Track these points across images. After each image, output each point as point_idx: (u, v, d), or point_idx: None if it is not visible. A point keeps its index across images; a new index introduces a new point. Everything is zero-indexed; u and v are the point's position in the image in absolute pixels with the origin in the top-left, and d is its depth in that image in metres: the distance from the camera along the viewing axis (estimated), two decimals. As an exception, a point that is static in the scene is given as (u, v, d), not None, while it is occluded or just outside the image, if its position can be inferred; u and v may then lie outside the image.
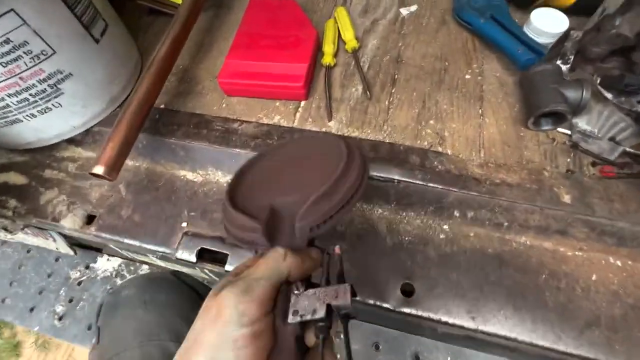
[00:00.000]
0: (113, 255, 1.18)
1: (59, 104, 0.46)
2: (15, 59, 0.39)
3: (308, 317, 0.22)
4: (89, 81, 0.48)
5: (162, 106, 0.54)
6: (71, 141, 0.54)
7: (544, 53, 0.48)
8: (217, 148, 0.49)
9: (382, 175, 0.44)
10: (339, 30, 0.57)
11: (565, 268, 0.41)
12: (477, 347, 0.77)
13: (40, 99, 0.44)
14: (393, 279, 0.41)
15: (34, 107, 0.44)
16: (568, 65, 0.50)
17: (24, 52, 0.40)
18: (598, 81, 0.47)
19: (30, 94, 0.43)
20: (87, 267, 1.16)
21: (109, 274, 1.15)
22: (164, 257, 0.59)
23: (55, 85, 0.44)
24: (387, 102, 0.51)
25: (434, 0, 0.62)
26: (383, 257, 0.42)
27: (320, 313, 0.22)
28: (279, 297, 0.23)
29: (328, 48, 0.54)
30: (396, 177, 0.44)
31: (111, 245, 0.87)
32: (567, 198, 0.41)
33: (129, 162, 0.53)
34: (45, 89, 0.44)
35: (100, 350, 0.43)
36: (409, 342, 0.79)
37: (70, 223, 0.49)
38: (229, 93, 0.54)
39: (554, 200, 0.41)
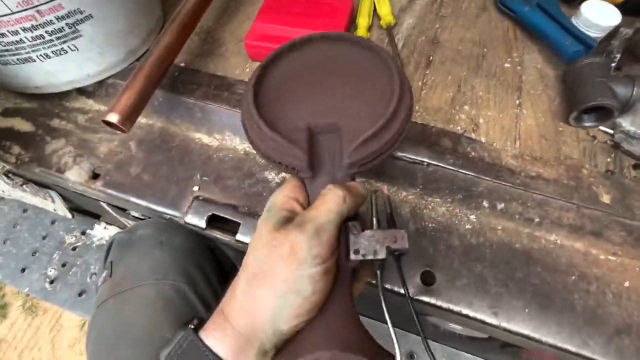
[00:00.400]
0: (111, 224, 1.16)
1: (76, 47, 0.43)
2: (34, -11, 0.36)
3: (370, 257, 0.25)
4: (109, 27, 0.45)
5: (182, 64, 0.51)
6: (82, 92, 0.52)
7: (593, 46, 0.45)
8: (237, 112, 0.46)
9: (410, 156, 0.42)
10: (374, 5, 0.54)
11: (597, 271, 0.38)
12: (475, 350, 0.75)
13: (57, 38, 0.41)
14: (413, 266, 0.39)
15: (49, 47, 0.42)
16: (614, 64, 0.47)
17: (44, -17, 0.37)
18: (646, 81, 0.44)
19: (47, 31, 0.40)
20: (83, 233, 1.13)
21: (104, 242, 1.12)
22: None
23: (74, 25, 0.41)
24: (420, 83, 0.48)
25: (475, -14, 0.59)
26: (404, 242, 0.40)
27: (382, 254, 0.25)
28: (340, 235, 0.25)
29: (362, 21, 0.51)
30: (426, 160, 0.41)
31: (110, 211, 0.85)
32: (606, 198, 0.39)
33: (142, 120, 0.50)
34: (62, 27, 0.41)
35: (112, 283, 0.42)
36: (404, 340, 0.78)
37: (76, 176, 0.46)
38: (254, 58, 0.51)
39: (592, 199, 0.39)
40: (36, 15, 0.38)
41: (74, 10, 0.40)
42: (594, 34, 0.47)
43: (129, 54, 0.49)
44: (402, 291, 0.38)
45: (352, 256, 0.25)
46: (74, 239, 1.11)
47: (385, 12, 0.52)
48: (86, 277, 1.09)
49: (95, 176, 0.47)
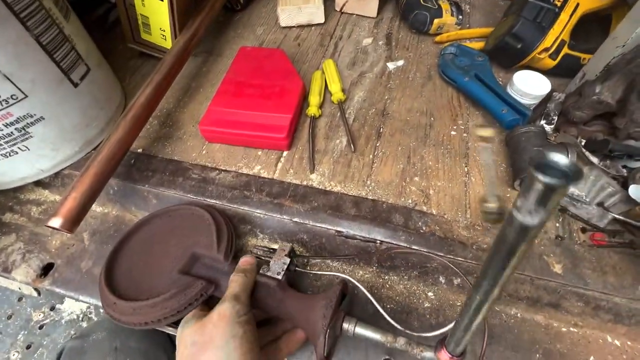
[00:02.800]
0: (82, 296, 1.10)
1: (27, 147, 0.44)
2: (-19, 103, 0.37)
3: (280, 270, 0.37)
4: (63, 124, 0.46)
5: (139, 150, 0.52)
6: (38, 183, 0.51)
7: (527, 114, 0.48)
8: (191, 198, 0.46)
9: (363, 234, 0.42)
10: (325, 82, 0.58)
11: (560, 347, 0.37)
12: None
13: (6, 142, 0.42)
14: (373, 353, 0.37)
15: (-3, 151, 0.42)
16: (552, 126, 0.50)
17: (-9, 96, 0.38)
18: (582, 143, 0.47)
19: (-6, 138, 0.41)
20: (52, 309, 1.07)
21: (75, 316, 1.06)
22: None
23: (24, 129, 0.42)
24: (371, 156, 0.49)
25: (420, 57, 0.63)
26: (362, 328, 0.39)
27: (284, 267, 0.37)
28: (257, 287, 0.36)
29: (314, 99, 0.54)
30: (378, 238, 0.41)
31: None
32: (558, 268, 0.39)
33: (97, 209, 0.50)
34: (11, 132, 0.41)
35: None
36: None
37: (23, 275, 0.44)
38: (210, 140, 0.52)
39: (544, 269, 0.39)
40: (-17, 125, 0.39)
41: (24, 116, 0.41)
42: (528, 101, 0.50)
43: (86, 144, 0.50)
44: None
45: (275, 275, 0.37)
46: (41, 315, 1.05)
47: (336, 90, 0.55)
48: (54, 359, 1.01)
49: (46, 272, 0.45)
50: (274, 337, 0.35)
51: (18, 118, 0.41)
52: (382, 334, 0.33)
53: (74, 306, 1.07)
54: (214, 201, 0.45)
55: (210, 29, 0.70)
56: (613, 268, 0.39)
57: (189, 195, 0.46)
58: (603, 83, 0.43)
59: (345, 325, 0.34)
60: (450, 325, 0.31)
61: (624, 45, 0.42)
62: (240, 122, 0.50)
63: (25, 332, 1.02)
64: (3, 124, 0.40)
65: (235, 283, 0.33)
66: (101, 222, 0.49)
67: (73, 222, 0.38)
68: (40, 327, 1.03)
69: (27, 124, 0.42)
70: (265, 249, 0.39)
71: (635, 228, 0.41)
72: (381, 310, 0.35)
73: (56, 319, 1.04)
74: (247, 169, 0.49)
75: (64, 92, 0.45)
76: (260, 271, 0.37)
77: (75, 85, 0.46)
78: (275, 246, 0.44)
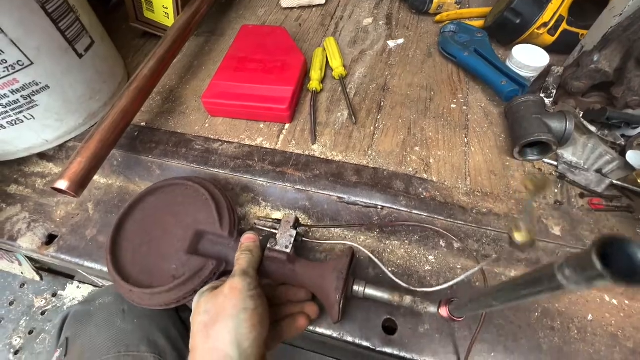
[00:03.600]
0: (84, 282, 1.11)
1: (32, 116, 0.44)
2: (-13, 67, 0.38)
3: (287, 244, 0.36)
4: (68, 95, 0.46)
5: (142, 124, 0.52)
6: (43, 156, 0.52)
7: (526, 85, 0.48)
8: (195, 168, 0.47)
9: (365, 200, 0.42)
10: (327, 59, 0.58)
11: (559, 306, 0.38)
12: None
13: (12, 109, 0.42)
14: (375, 314, 0.38)
15: (3, 118, 0.43)
16: (551, 99, 0.50)
17: (-2, 61, 0.38)
18: (581, 115, 0.47)
19: (1, 104, 0.41)
20: (54, 295, 1.08)
21: (77, 302, 1.07)
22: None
23: (30, 97, 0.43)
24: (372, 128, 0.50)
25: (420, 36, 0.64)
26: (364, 289, 0.39)
27: (291, 240, 0.36)
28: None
29: (315, 74, 0.55)
30: (379, 203, 0.42)
31: (80, 270, 0.81)
32: (557, 230, 0.39)
33: (101, 180, 0.51)
34: (17, 99, 0.42)
35: None
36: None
37: (28, 243, 0.45)
38: (213, 114, 0.53)
39: (543, 232, 0.39)
40: (-11, 90, 0.40)
41: (30, 83, 0.42)
42: (527, 74, 0.51)
43: (90, 117, 0.51)
44: (364, 344, 0.36)
45: (278, 247, 0.36)
46: (43, 302, 1.05)
47: (337, 65, 0.56)
48: (55, 345, 1.02)
49: (50, 240, 0.46)
50: (282, 317, 0.35)
51: (24, 85, 0.42)
52: (390, 294, 0.34)
53: (75, 292, 1.07)
54: (217, 170, 0.46)
55: (212, 11, 0.71)
56: (611, 230, 0.39)
57: (192, 165, 0.47)
58: (601, 52, 0.44)
59: (356, 288, 0.35)
60: (453, 281, 0.32)
61: (620, 14, 0.43)
62: (242, 95, 0.50)
63: (27, 318, 1.03)
64: (9, 90, 0.41)
65: (242, 261, 0.33)
66: (105, 193, 0.49)
67: (78, 185, 0.38)
68: (42, 313, 1.03)
69: (33, 91, 0.43)
70: (269, 220, 0.39)
71: (632, 193, 0.42)
72: (387, 272, 0.35)
73: (58, 305, 1.05)
74: (250, 141, 0.49)
75: (69, 62, 0.45)
76: (268, 245, 0.36)
77: (80, 56, 0.47)
78: (278, 216, 0.45)
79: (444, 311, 0.32)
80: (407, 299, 0.34)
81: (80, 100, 0.49)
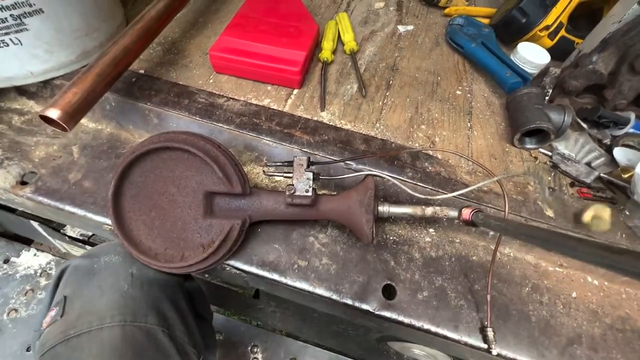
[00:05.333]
0: (43, 251, 1.02)
1: (19, 40, 0.40)
2: (-23, -27, 0.34)
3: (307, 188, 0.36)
4: (62, 25, 0.42)
5: (141, 71, 0.49)
6: (23, 92, 0.47)
7: (529, 79, 0.51)
8: (197, 120, 0.44)
9: (372, 169, 0.42)
10: (339, 33, 0.58)
11: (547, 283, 0.40)
12: None
13: (-3, 28, 0.38)
14: (375, 279, 0.38)
15: (-14, 37, 0.38)
16: (547, 97, 0.53)
17: (-10, -32, 0.34)
18: (575, 114, 0.50)
19: (-14, 20, 0.37)
20: (6, 261, 0.98)
21: (32, 271, 0.98)
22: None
23: (20, 18, 0.39)
24: (380, 103, 0.50)
25: (428, 25, 0.65)
26: (366, 254, 0.39)
27: (309, 183, 0.36)
28: None
29: (327, 44, 0.54)
30: (386, 173, 0.42)
31: (42, 232, 0.75)
32: (550, 212, 0.41)
33: (89, 124, 0.47)
34: (6, 18, 0.38)
35: (65, 323, 0.32)
36: (287, 345, 0.77)
37: (1, 180, 0.40)
38: (219, 70, 0.51)
39: (538, 212, 0.41)
40: (-25, 1, 0.35)
41: (23, 2, 0.38)
42: (529, 69, 0.54)
43: (82, 55, 0.47)
44: (363, 307, 0.36)
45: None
46: (-7, 268, 0.95)
47: (349, 39, 0.56)
48: (2, 314, 0.94)
49: (25, 183, 0.41)
50: None
51: (16, 3, 0.38)
52: (412, 208, 0.36)
53: (31, 260, 0.98)
54: (222, 125, 0.44)
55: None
56: (597, 216, 0.42)
57: (195, 117, 0.44)
58: (599, 53, 0.47)
59: (381, 209, 0.36)
60: (469, 188, 0.35)
61: (620, 21, 0.46)
62: (253, 53, 0.49)
63: (-27, 284, 0.93)
64: (-2, 6, 0.37)
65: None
66: (93, 138, 0.45)
67: (71, 116, 0.35)
68: (-10, 280, 0.93)
69: (24, 13, 0.39)
70: (277, 163, 0.38)
71: (615, 186, 0.45)
72: (406, 189, 0.37)
73: (10, 272, 0.95)
74: (257, 101, 0.48)
75: (68, -11, 0.42)
76: (288, 193, 0.35)
77: (81, -15, 0.43)
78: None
79: (466, 213, 0.34)
80: (429, 210, 0.36)
81: (74, 34, 0.45)
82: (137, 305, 0.34)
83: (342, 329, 0.62)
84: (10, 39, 0.40)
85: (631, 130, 0.47)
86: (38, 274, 0.98)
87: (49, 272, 1.00)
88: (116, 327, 0.31)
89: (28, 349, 0.84)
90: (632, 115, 0.47)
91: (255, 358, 0.81)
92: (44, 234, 0.77)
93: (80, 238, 0.74)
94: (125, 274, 0.35)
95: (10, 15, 0.38)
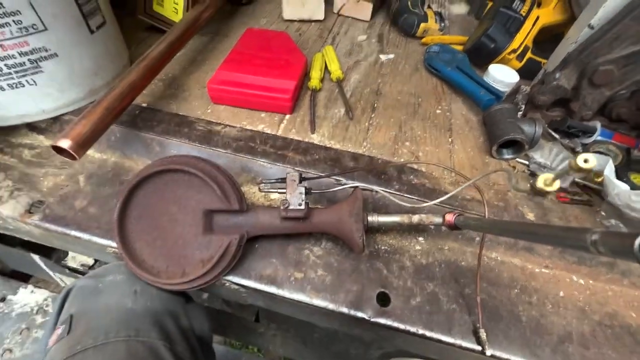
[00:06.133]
0: (39, 287, 1.01)
1: (34, 81, 0.44)
2: (1, 25, 0.38)
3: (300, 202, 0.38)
4: (74, 67, 0.47)
5: (144, 105, 0.53)
6: (34, 128, 0.51)
7: (501, 96, 0.55)
8: (197, 146, 0.48)
9: (361, 184, 0.45)
10: (325, 64, 0.63)
11: (535, 284, 0.41)
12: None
13: (15, 72, 0.42)
14: (369, 287, 0.39)
15: (4, 80, 0.42)
16: (520, 112, 0.58)
17: (14, 21, 0.39)
18: (546, 125, 0.54)
19: (6, 65, 0.41)
20: (3, 300, 0.97)
21: (29, 309, 0.97)
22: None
23: (37, 62, 0.43)
24: (367, 124, 0.54)
25: (408, 54, 0.71)
26: (359, 264, 0.41)
27: (302, 197, 0.38)
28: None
29: (315, 74, 0.59)
30: (374, 187, 0.45)
31: (43, 266, 0.76)
32: (531, 216, 0.44)
33: (95, 155, 0.50)
34: (24, 62, 0.42)
35: (71, 340, 0.33)
36: None
37: (10, 210, 0.43)
38: (216, 101, 0.55)
39: (519, 217, 0.43)
40: (-2, 49, 0.40)
41: (39, 48, 0.42)
42: (501, 88, 0.58)
43: (91, 92, 0.51)
44: (359, 315, 0.37)
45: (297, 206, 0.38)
46: (-11, 307, 0.94)
47: (335, 68, 0.61)
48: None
49: (32, 212, 0.44)
50: None
51: (34, 49, 0.42)
52: (400, 216, 0.38)
53: (28, 297, 0.97)
54: (219, 150, 0.47)
55: (217, 16, 0.75)
56: (575, 218, 0.44)
57: (194, 143, 0.48)
58: (561, 71, 0.52)
59: (370, 219, 0.38)
60: (450, 194, 0.39)
61: (576, 42, 0.51)
62: (247, 84, 0.53)
63: (-32, 324, 0.91)
64: (18, 52, 0.41)
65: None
66: (99, 167, 0.48)
67: (81, 146, 0.38)
68: (-14, 320, 0.92)
69: (41, 57, 0.43)
70: (272, 180, 0.41)
71: (590, 189, 0.48)
72: (394, 199, 0.41)
73: (6, 311, 0.94)
74: (251, 127, 0.52)
75: (80, 35, 0.46)
76: (282, 207, 0.37)
77: (92, 32, 0.48)
78: (275, 196, 0.46)
79: (450, 217, 0.36)
80: (415, 217, 0.38)
81: (85, 74, 0.49)
82: (140, 321, 0.35)
83: (343, 349, 0.62)
84: (27, 81, 0.44)
85: (599, 138, 0.51)
86: (34, 312, 0.97)
87: (45, 308, 0.98)
88: (120, 342, 0.33)
89: (21, 390, 0.81)
90: (598, 124, 0.51)
91: (257, 388, 0.78)
92: (44, 267, 0.77)
93: (81, 269, 0.74)
94: (129, 291, 0.37)
95: (28, 59, 0.42)
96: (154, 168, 0.37)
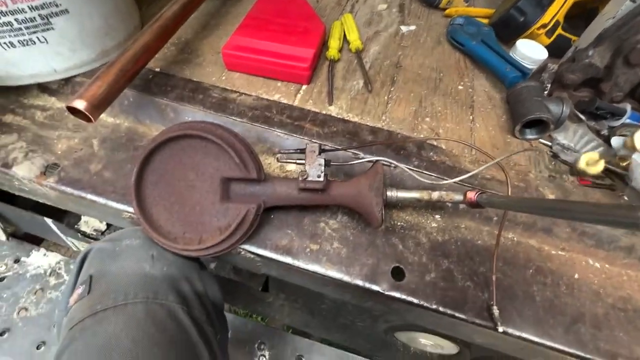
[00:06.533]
0: (52, 251, 1.04)
1: (45, 39, 0.43)
2: (11, -24, 0.36)
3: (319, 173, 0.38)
4: (85, 25, 0.45)
5: (157, 69, 0.51)
6: (45, 89, 0.49)
7: (528, 73, 0.53)
8: (212, 114, 0.46)
9: (379, 158, 0.44)
10: (344, 33, 0.60)
11: (551, 265, 0.41)
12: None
13: (26, 27, 0.40)
14: (384, 261, 0.39)
15: (15, 35, 0.41)
16: (546, 92, 0.55)
17: (23, -29, 0.37)
18: (573, 106, 0.52)
19: (16, 19, 0.39)
20: (17, 261, 1.00)
21: (42, 271, 1.00)
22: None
23: (47, 17, 0.41)
24: (386, 98, 0.52)
25: (430, 25, 0.68)
26: (375, 239, 0.41)
27: (321, 169, 0.38)
28: None
29: (334, 43, 0.56)
30: (393, 162, 0.44)
31: (56, 230, 0.77)
32: (551, 197, 0.43)
33: (108, 119, 0.49)
34: (34, 17, 0.40)
35: (91, 300, 0.34)
36: (294, 343, 0.77)
37: (25, 171, 0.42)
38: (231, 67, 0.53)
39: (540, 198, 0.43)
40: (8, 1, 0.38)
41: (50, 2, 0.40)
42: (528, 65, 0.56)
43: (102, 54, 0.49)
44: (374, 288, 0.38)
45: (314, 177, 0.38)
46: (3, 267, 0.97)
47: (354, 38, 0.58)
48: (12, 313, 0.95)
49: (47, 173, 0.43)
50: None
51: (44, 3, 0.40)
52: (419, 192, 0.38)
53: (41, 260, 1.00)
54: (235, 118, 0.46)
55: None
56: (597, 202, 0.43)
57: (209, 111, 0.46)
58: (595, 48, 0.49)
59: (389, 194, 0.38)
60: (471, 172, 0.38)
61: (614, 17, 0.48)
62: (264, 51, 0.51)
63: (-17, 283, 0.94)
64: (28, 6, 0.39)
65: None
66: (112, 131, 0.48)
67: (96, 107, 0.37)
68: (1, 280, 0.95)
69: (51, 13, 0.41)
70: (290, 151, 0.40)
71: (614, 174, 0.46)
72: (414, 174, 0.39)
73: (20, 272, 0.97)
74: (268, 96, 0.50)
75: (92, -9, 0.44)
76: (301, 178, 0.37)
77: (102, -12, 0.46)
78: (292, 167, 0.46)
79: (471, 194, 0.36)
80: (435, 194, 0.38)
81: (96, 34, 0.47)
82: (158, 284, 0.35)
83: (349, 321, 0.64)
84: (38, 38, 0.42)
85: (628, 121, 0.49)
86: (47, 274, 1.00)
87: (58, 271, 1.01)
88: (139, 304, 0.33)
89: (38, 347, 0.85)
90: (628, 107, 0.49)
91: (262, 355, 0.81)
92: (57, 231, 0.78)
93: (94, 234, 0.75)
94: (146, 255, 0.37)
95: (39, 14, 0.40)
96: (171, 133, 0.36)
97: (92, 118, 0.37)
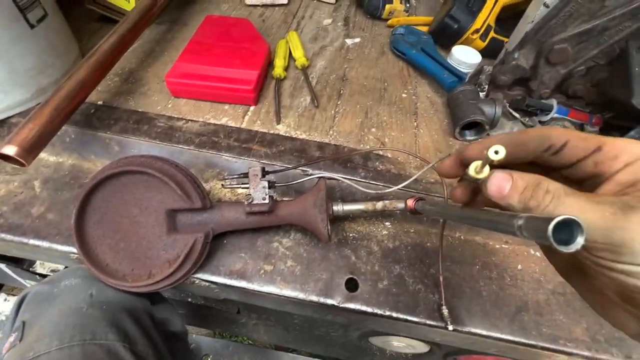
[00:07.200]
0: (13, 295, 0.99)
1: (-28, 84, 0.41)
2: None
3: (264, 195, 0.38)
4: (15, 66, 0.44)
5: (99, 102, 0.51)
6: (-20, 132, 0.48)
7: (464, 78, 0.56)
8: (158, 144, 0.46)
9: (326, 174, 0.45)
10: (290, 51, 0.62)
11: (495, 259, 0.43)
12: None
13: (-52, 74, 0.39)
14: (337, 275, 0.40)
15: (-63, 83, 0.39)
16: (484, 93, 0.59)
17: (-63, 19, 0.36)
18: (507, 105, 0.56)
19: (-64, 67, 0.38)
20: (-24, 309, 0.94)
21: (3, 317, 0.94)
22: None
23: (-29, 62, 0.40)
24: (333, 112, 0.54)
25: (374, 37, 0.70)
26: (328, 253, 0.42)
27: (265, 191, 0.38)
28: None
29: (279, 62, 0.58)
30: (340, 175, 0.45)
31: (11, 273, 0.73)
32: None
33: (50, 158, 0.48)
34: (-44, 64, 0.39)
35: (23, 347, 0.33)
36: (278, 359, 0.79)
37: (-41, 222, 0.41)
38: (176, 94, 0.53)
39: (480, 197, 0.45)
40: None
41: (-28, 47, 0.39)
42: (463, 69, 0.59)
43: (38, 92, 0.48)
44: (328, 302, 0.38)
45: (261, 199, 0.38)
46: (-39, 317, 0.91)
47: (299, 55, 0.60)
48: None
49: (-14, 223, 0.42)
50: None
51: (-35, 49, 0.39)
52: (364, 204, 0.39)
53: (2, 306, 0.94)
54: (182, 146, 0.46)
55: (175, 2, 0.71)
56: (532, 194, 0.46)
57: (155, 141, 0.46)
58: (520, 50, 0.53)
59: (335, 208, 0.39)
60: (411, 178, 0.39)
61: (532, 21, 0.52)
62: (207, 76, 0.51)
63: (-61, 338, 0.88)
64: (-53, 52, 0.38)
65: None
66: (55, 171, 0.46)
67: (28, 151, 0.36)
68: (-42, 331, 0.89)
69: (-25, 57, 0.40)
70: (235, 176, 0.40)
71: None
72: (357, 186, 0.41)
73: (-21, 320, 0.91)
74: (215, 120, 0.50)
75: (19, 31, 0.43)
76: (246, 202, 0.37)
77: (32, 26, 0.45)
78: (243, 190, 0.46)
79: (410, 202, 0.37)
80: (379, 204, 0.39)
81: (29, 74, 0.46)
82: (96, 324, 0.35)
83: (323, 332, 0.64)
84: (-37, 83, 0.41)
85: (555, 115, 0.53)
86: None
87: (23, 315, 0.96)
88: (76, 347, 0.33)
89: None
90: (554, 102, 0.53)
91: (246, 375, 0.80)
92: (14, 275, 0.75)
93: (51, 275, 0.72)
94: (85, 295, 0.37)
95: (-39, 60, 0.39)
96: (108, 171, 0.36)
97: (25, 163, 0.36)
